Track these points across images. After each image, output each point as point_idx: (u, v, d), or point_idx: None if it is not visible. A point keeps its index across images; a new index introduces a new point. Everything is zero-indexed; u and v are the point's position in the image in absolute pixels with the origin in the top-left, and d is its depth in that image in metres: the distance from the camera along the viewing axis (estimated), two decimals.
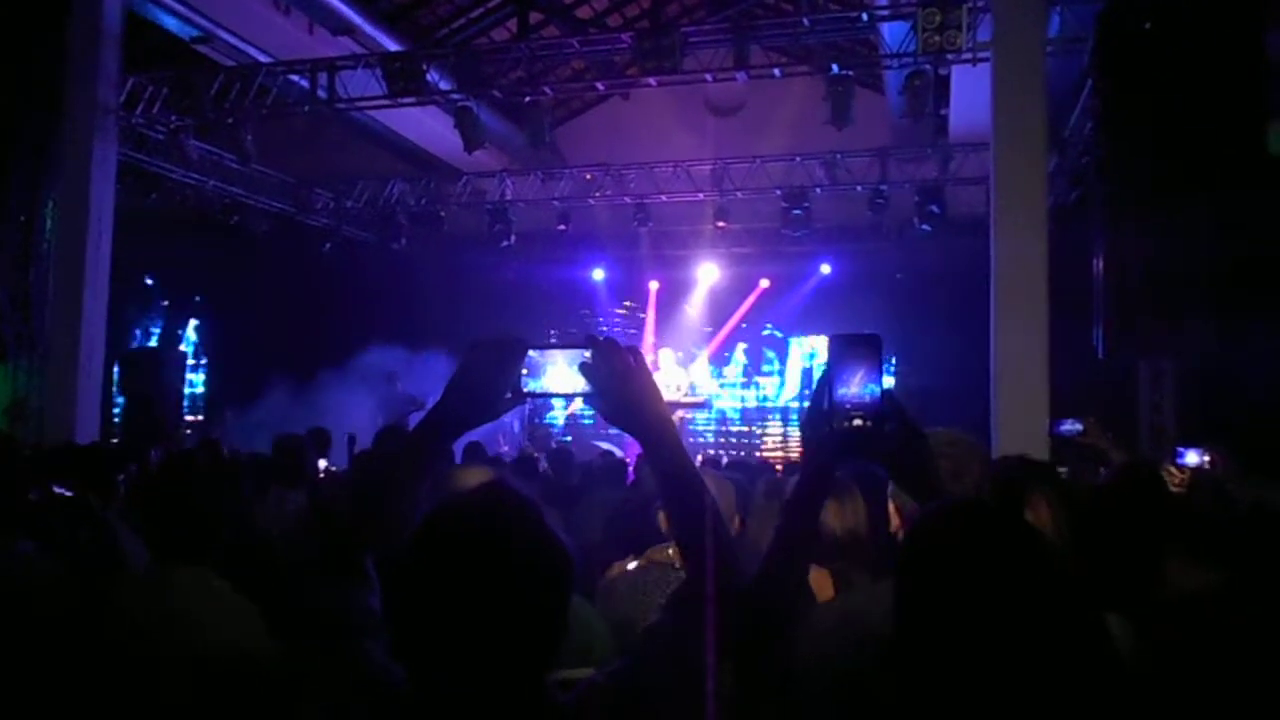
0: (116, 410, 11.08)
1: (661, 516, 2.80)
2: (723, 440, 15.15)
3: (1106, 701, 1.14)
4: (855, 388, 1.43)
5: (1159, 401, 8.09)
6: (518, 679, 1.21)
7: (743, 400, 15.33)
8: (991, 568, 1.18)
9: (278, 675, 1.92)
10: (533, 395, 1.51)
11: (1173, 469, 4.97)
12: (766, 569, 1.47)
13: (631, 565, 2.96)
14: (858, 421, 1.42)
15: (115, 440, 9.55)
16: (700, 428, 15.17)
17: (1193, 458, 4.56)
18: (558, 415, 14.69)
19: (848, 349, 1.44)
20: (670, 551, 2.73)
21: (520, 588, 1.22)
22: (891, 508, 2.02)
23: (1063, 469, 4.24)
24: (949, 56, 8.04)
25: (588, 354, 1.46)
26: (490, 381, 1.47)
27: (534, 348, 1.50)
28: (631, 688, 1.26)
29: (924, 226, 11.92)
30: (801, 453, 1.54)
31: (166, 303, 14.09)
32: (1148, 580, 2.25)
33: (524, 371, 1.49)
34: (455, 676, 1.20)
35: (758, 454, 14.39)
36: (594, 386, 1.44)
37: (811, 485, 1.49)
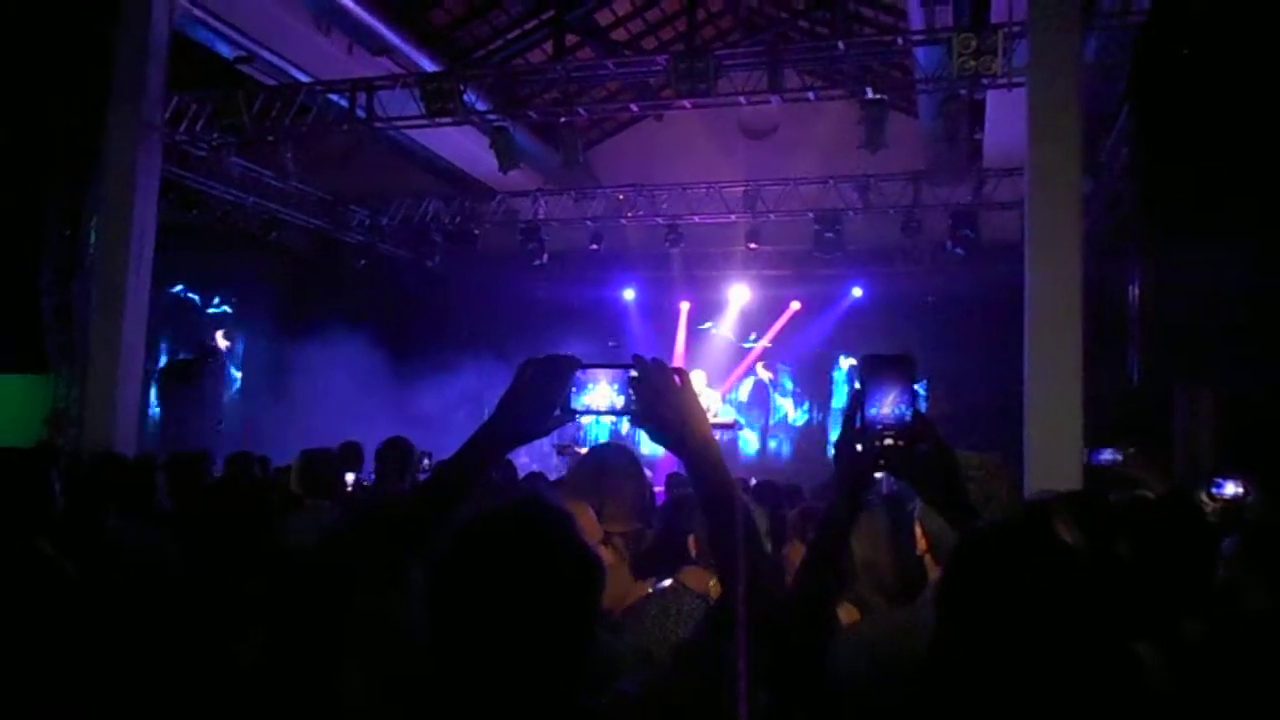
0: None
1: (691, 540, 2.77)
2: None
3: None
4: (887, 407, 1.44)
5: (1195, 430, 7.97)
6: (547, 681, 1.24)
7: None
8: (1043, 594, 1.17)
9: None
10: (580, 412, 1.54)
11: (1205, 498, 4.90)
12: (800, 587, 1.48)
13: (655, 587, 2.91)
14: (889, 441, 1.43)
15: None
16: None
17: (1231, 488, 4.49)
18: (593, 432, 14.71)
19: (880, 369, 1.45)
20: (712, 583, 2.68)
21: (550, 592, 1.26)
22: (918, 531, 2.01)
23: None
24: (984, 81, 8.03)
25: (635, 373, 1.49)
26: (541, 398, 1.50)
27: (583, 366, 1.53)
28: (663, 700, 1.28)
29: (957, 250, 11.87)
30: (834, 471, 1.55)
31: (206, 317, 14.29)
32: (1181, 607, 2.23)
33: (572, 389, 1.52)
34: (488, 676, 1.23)
35: None
36: (639, 406, 1.47)
37: (844, 504, 1.50)
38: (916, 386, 1.46)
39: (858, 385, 1.47)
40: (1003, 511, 1.93)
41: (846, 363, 14.85)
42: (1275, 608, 2.14)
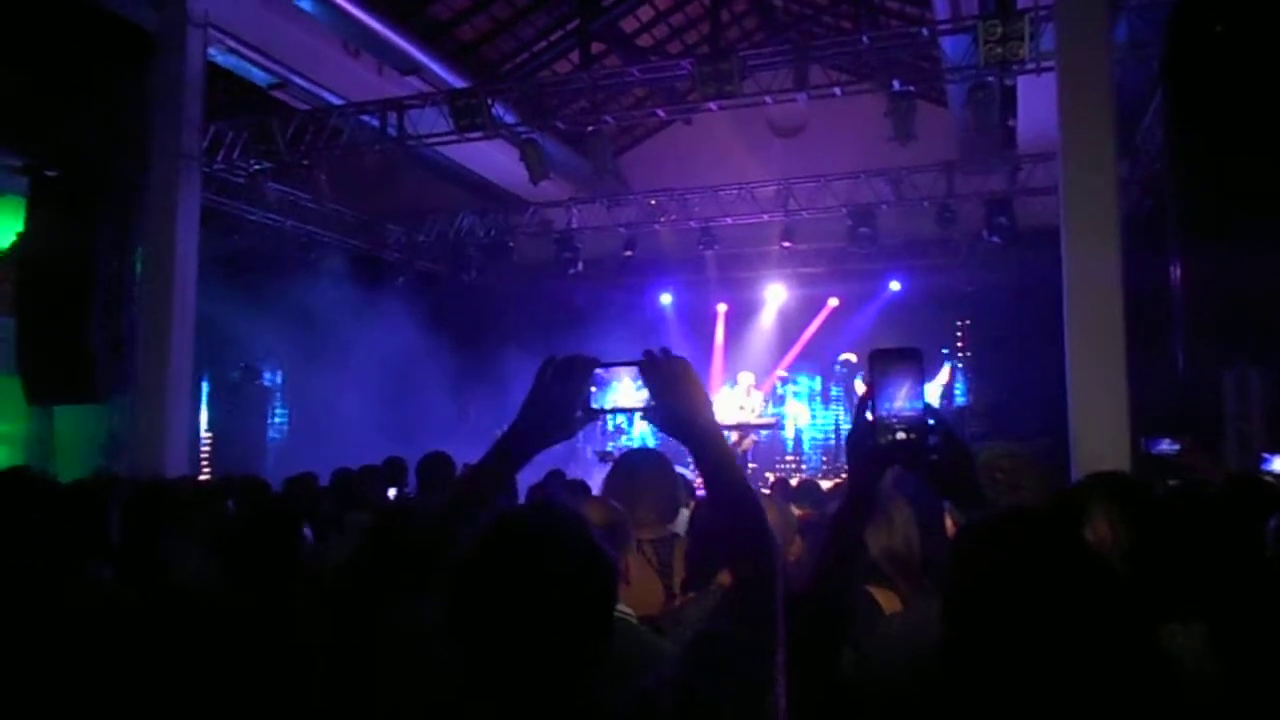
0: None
1: None
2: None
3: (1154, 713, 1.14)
4: (899, 402, 1.44)
5: (1245, 411, 7.80)
6: (561, 680, 1.26)
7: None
8: (1036, 577, 1.18)
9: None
10: (603, 411, 1.56)
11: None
12: (816, 581, 1.49)
13: (695, 593, 2.92)
14: (901, 435, 1.43)
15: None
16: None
17: (1279, 464, 4.40)
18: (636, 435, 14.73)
19: (890, 363, 1.46)
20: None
21: (560, 592, 1.27)
22: (949, 522, 2.01)
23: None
24: (1013, 67, 7.95)
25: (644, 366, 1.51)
26: (561, 399, 1.53)
27: (601, 365, 1.56)
28: (686, 695, 1.28)
29: (994, 239, 11.73)
30: (847, 467, 1.56)
31: (250, 340, 14.52)
32: (1234, 590, 2.19)
33: (593, 389, 1.55)
34: (508, 678, 1.25)
35: None
36: (651, 397, 1.49)
37: (857, 499, 1.51)
38: (931, 379, 1.47)
39: (869, 380, 1.47)
40: (1032, 501, 1.93)
41: (843, 356, 14.47)
42: None
